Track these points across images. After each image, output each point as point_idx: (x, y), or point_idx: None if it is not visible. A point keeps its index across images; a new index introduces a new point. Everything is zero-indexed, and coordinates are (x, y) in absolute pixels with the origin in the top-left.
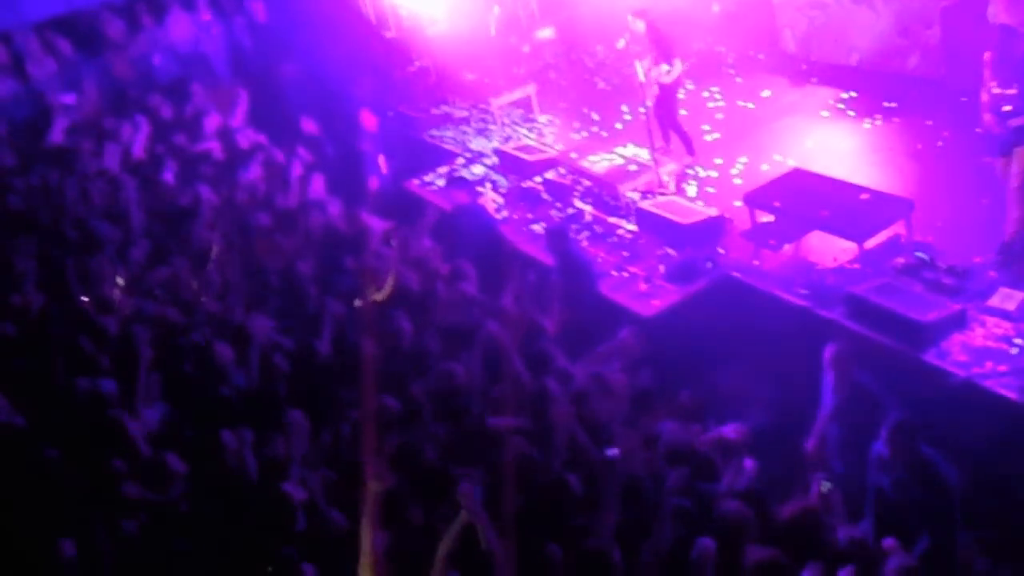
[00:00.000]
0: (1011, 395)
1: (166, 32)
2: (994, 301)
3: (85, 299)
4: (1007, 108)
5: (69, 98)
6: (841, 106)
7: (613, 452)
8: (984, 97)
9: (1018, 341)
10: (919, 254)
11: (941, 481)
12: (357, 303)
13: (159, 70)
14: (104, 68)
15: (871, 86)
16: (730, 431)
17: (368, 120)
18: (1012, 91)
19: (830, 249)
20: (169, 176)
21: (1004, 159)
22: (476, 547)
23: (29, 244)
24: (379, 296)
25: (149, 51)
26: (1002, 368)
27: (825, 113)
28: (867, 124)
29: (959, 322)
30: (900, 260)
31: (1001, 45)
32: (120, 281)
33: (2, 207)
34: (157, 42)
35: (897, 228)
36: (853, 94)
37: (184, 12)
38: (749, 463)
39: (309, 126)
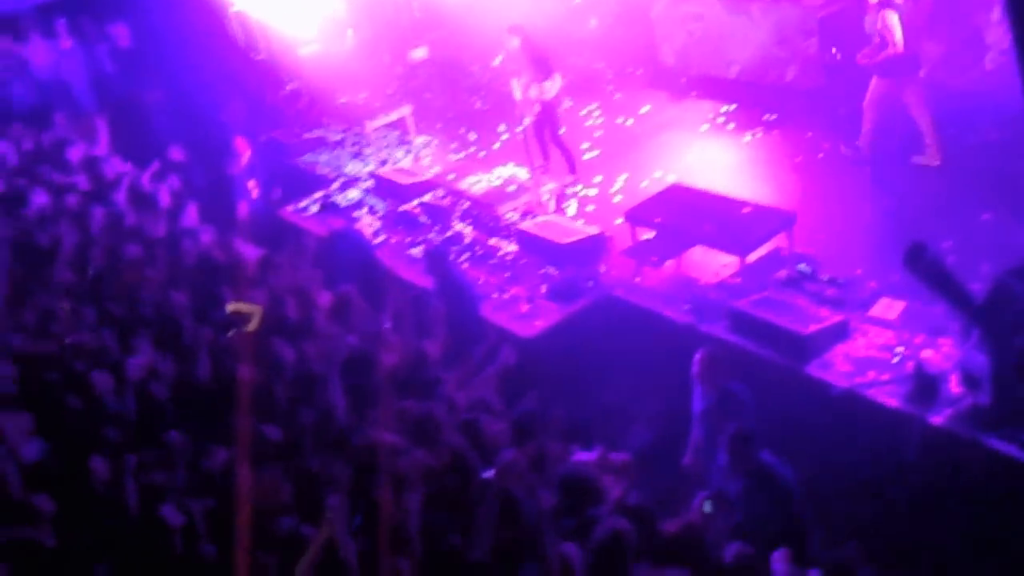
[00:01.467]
0: (893, 403)
1: (25, 58)
2: (876, 311)
3: None
4: None
5: None
6: (721, 119)
7: (488, 473)
8: None
9: (900, 350)
10: (801, 267)
11: (780, 484)
12: (232, 332)
13: (18, 98)
14: None
15: (751, 98)
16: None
17: (241, 147)
18: None
19: (712, 264)
20: (32, 209)
21: None
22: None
23: None
24: (252, 325)
25: (7, 78)
26: (884, 377)
27: (705, 127)
28: (747, 137)
29: (841, 333)
30: (782, 273)
31: None
32: None
33: None
34: (15, 68)
35: (779, 241)
36: (733, 107)
37: (43, 39)
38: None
39: (177, 153)
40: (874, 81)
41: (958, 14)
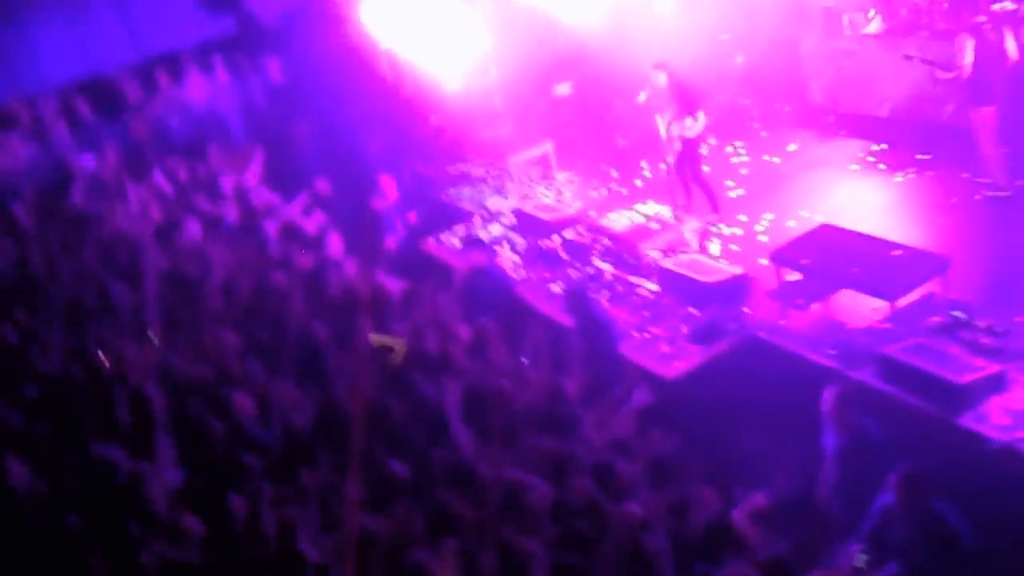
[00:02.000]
0: None
1: (183, 93)
2: None
3: (104, 362)
4: None
5: (89, 160)
6: (871, 159)
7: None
8: None
9: None
10: (955, 313)
11: (953, 535)
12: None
13: (175, 131)
14: (123, 130)
15: (903, 137)
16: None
17: (387, 184)
18: None
19: (861, 308)
20: (187, 238)
21: None
22: None
23: (50, 307)
24: (396, 358)
25: (166, 112)
26: None
27: (855, 167)
28: (899, 177)
29: (999, 384)
30: (935, 320)
31: None
32: (153, 338)
33: (24, 271)
34: (174, 103)
35: (931, 286)
36: (884, 146)
37: (201, 73)
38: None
39: (323, 185)
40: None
41: None
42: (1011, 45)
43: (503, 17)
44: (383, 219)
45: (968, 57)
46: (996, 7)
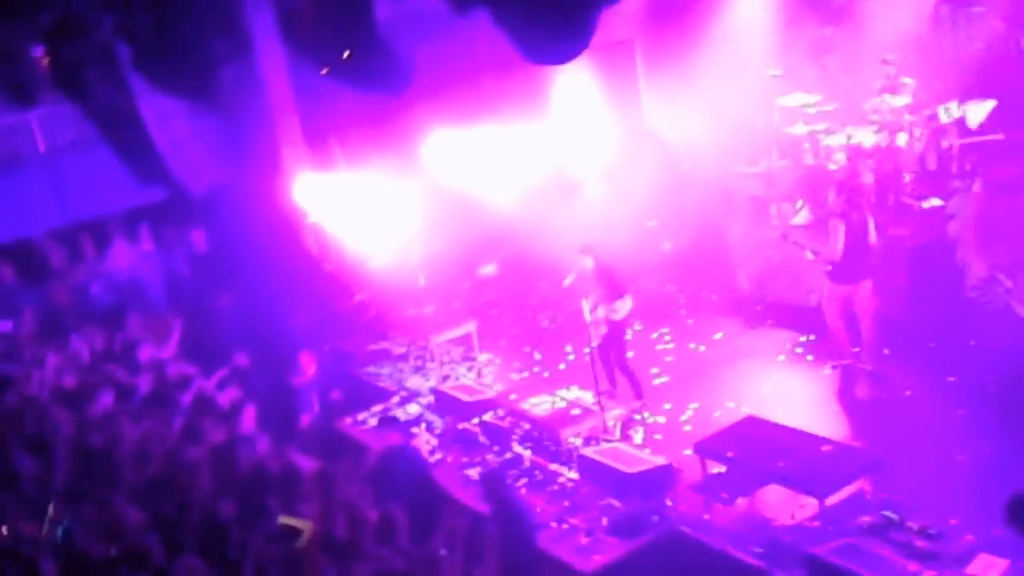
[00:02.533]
0: None
1: (107, 260)
2: (973, 569)
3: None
4: None
5: (6, 325)
6: (799, 350)
7: None
8: None
9: None
10: (887, 513)
11: None
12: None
13: (96, 298)
14: (44, 295)
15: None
16: None
17: (306, 360)
18: None
19: (788, 504)
20: (98, 408)
21: None
22: None
23: None
24: (303, 540)
25: (88, 279)
26: None
27: (782, 357)
28: (827, 370)
29: None
30: (866, 519)
31: None
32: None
33: None
34: (97, 271)
35: (862, 484)
36: (812, 337)
37: (126, 241)
38: None
39: (242, 359)
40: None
41: None
42: (872, 231)
43: (431, 195)
44: (300, 396)
45: (840, 240)
46: None
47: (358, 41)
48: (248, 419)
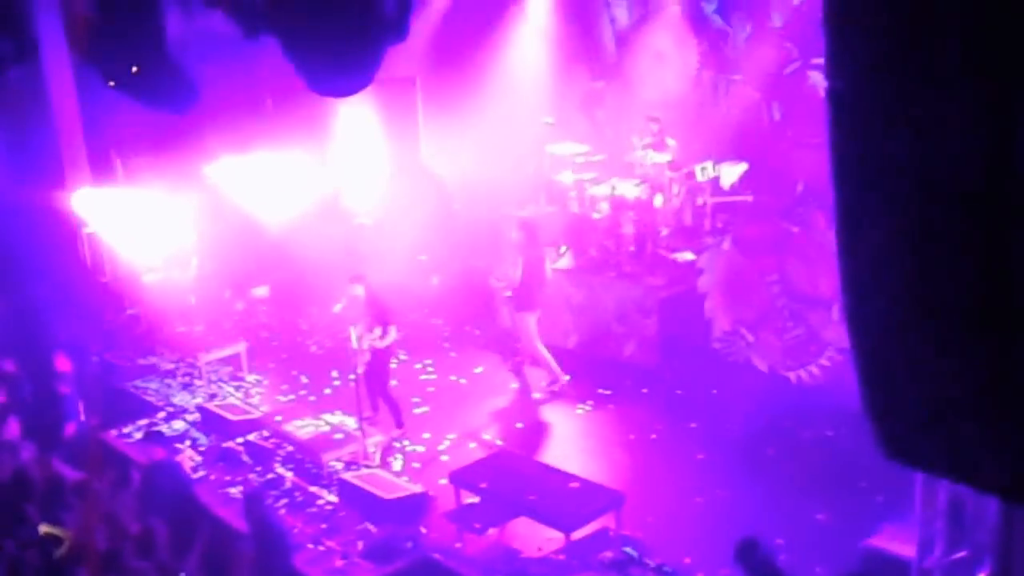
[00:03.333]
0: None
1: None
2: None
3: None
4: None
5: None
6: (555, 388)
7: None
8: None
9: None
10: (627, 549)
11: None
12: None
13: None
14: None
15: (587, 370)
16: None
17: (62, 364)
18: None
19: (536, 537)
20: None
21: None
22: None
23: None
24: (61, 551)
25: None
26: None
27: (538, 395)
28: (580, 409)
29: None
30: (608, 554)
31: None
32: None
33: None
34: None
35: (606, 520)
36: (567, 378)
37: None
38: None
39: (8, 365)
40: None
41: (797, 310)
42: (548, 266)
43: (209, 214)
44: (65, 404)
45: (518, 271)
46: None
47: (146, 56)
48: (12, 426)
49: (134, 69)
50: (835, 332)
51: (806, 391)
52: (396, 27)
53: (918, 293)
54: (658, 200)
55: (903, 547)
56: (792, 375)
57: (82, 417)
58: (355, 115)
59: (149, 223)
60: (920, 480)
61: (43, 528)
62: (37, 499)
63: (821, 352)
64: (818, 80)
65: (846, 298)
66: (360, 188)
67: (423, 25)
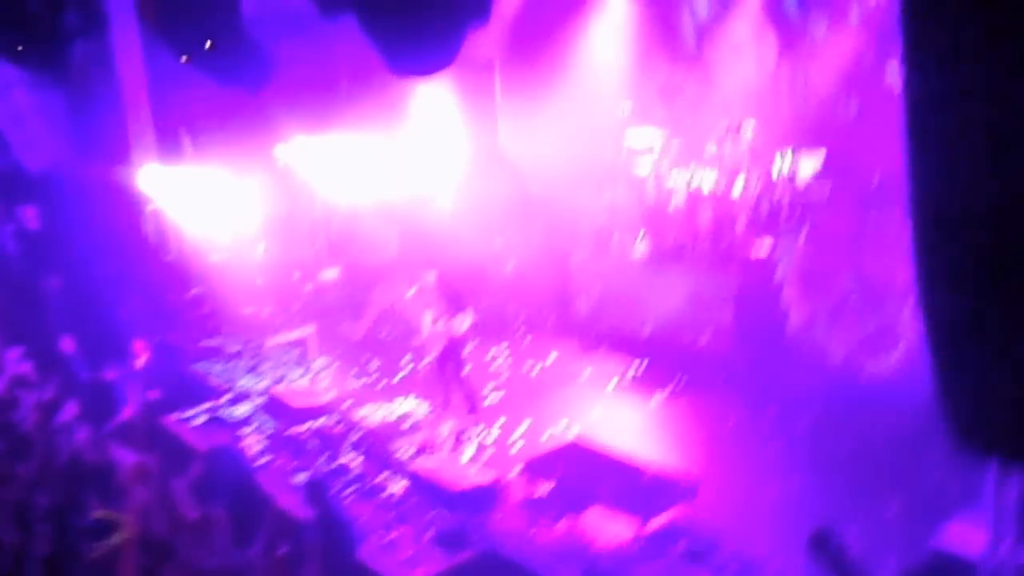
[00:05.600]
0: None
1: None
2: None
3: None
4: None
5: None
6: (630, 376)
7: None
8: None
9: None
10: (702, 540)
11: None
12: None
13: None
14: None
15: (662, 359)
16: None
17: (139, 349)
18: None
19: (610, 528)
20: None
21: None
22: None
23: None
24: (119, 538)
25: None
26: None
27: (613, 382)
28: (655, 398)
29: None
30: (683, 544)
31: None
32: None
33: None
34: None
35: (680, 510)
36: (643, 365)
37: None
38: None
39: (68, 345)
40: None
41: (872, 302)
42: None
43: (280, 192)
44: (124, 387)
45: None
46: None
47: (221, 32)
48: (69, 408)
49: (208, 44)
50: (909, 325)
51: (879, 384)
52: (479, 9)
53: (996, 278)
54: (736, 190)
55: (972, 542)
56: (866, 367)
57: (141, 400)
58: (432, 98)
59: (217, 202)
60: (991, 475)
61: (98, 514)
62: (93, 484)
63: (895, 345)
64: (895, 73)
65: (922, 288)
66: (435, 171)
67: (504, 9)
